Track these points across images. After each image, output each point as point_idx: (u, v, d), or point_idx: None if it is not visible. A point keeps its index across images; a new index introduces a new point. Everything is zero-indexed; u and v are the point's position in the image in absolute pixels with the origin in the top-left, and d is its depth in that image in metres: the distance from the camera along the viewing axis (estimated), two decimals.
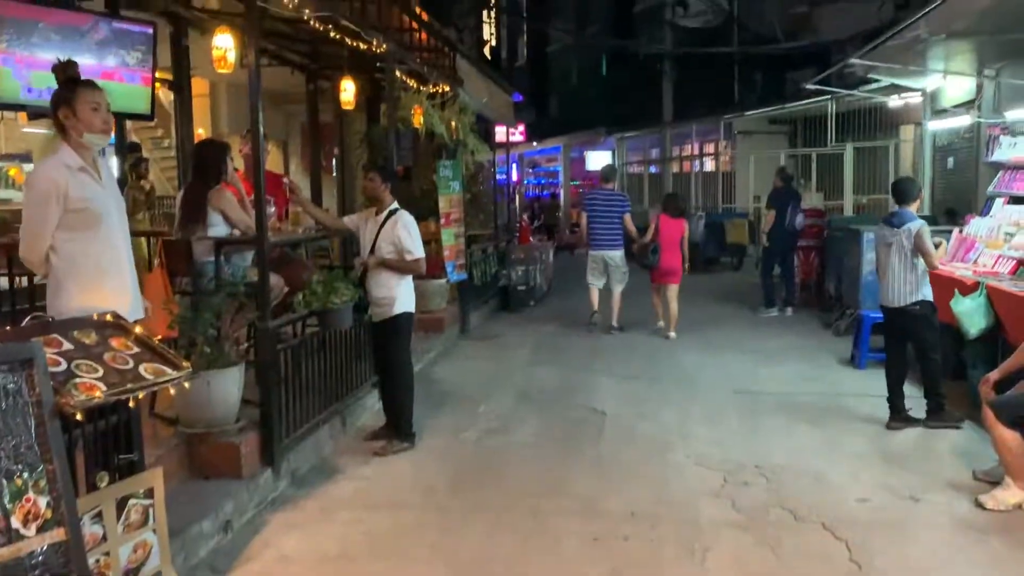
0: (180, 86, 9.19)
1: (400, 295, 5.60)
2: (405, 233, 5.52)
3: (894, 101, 16.02)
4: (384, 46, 6.87)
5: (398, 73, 7.61)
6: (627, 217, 9.97)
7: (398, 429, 5.73)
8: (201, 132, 13.32)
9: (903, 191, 6.32)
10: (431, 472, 5.32)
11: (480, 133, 14.40)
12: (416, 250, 5.54)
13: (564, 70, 29.47)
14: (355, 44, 7.19)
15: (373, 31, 6.71)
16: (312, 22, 6.23)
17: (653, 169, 23.03)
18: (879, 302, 6.50)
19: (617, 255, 9.88)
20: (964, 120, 10.15)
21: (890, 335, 6.41)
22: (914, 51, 10.17)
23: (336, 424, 5.91)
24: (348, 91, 7.97)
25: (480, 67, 10.91)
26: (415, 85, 7.70)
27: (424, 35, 8.75)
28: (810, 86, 12.13)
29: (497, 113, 11.96)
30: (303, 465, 5.30)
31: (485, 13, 31.29)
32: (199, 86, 13.07)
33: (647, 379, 7.67)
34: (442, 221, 9.21)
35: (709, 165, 20.43)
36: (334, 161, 12.19)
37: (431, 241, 9.26)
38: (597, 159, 24.13)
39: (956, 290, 6.51)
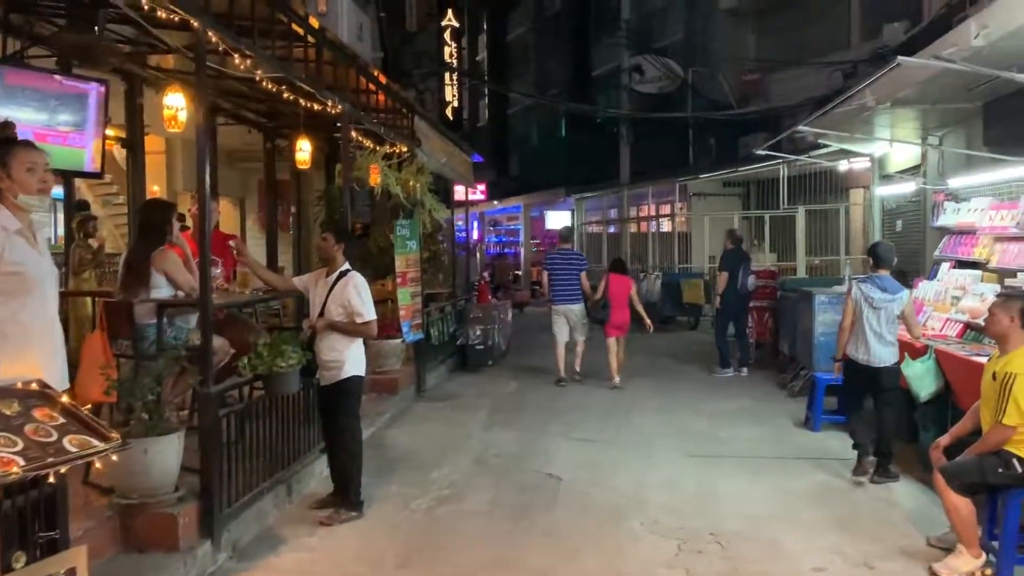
0: (133, 143, 9.11)
1: (349, 358, 5.46)
2: (355, 295, 5.40)
3: (843, 166, 16.43)
4: (339, 107, 6.85)
5: (354, 133, 7.57)
6: (583, 275, 10.59)
7: (345, 498, 5.53)
8: (156, 189, 13.14)
9: (883, 257, 6.51)
10: (379, 543, 5.12)
11: (439, 192, 14.50)
12: (367, 313, 5.42)
13: (524, 131, 29.90)
14: (310, 104, 7.18)
15: (328, 92, 6.69)
16: (265, 83, 6.18)
17: (612, 229, 23.27)
18: (851, 357, 6.49)
19: (577, 308, 10.54)
20: (910, 187, 10.39)
21: (857, 390, 6.57)
22: (861, 118, 10.45)
23: (281, 492, 5.69)
24: (304, 150, 7.92)
25: (439, 128, 10.95)
26: (371, 145, 7.67)
27: (382, 96, 8.77)
28: (760, 152, 12.34)
29: (456, 173, 11.98)
30: (245, 535, 5.07)
31: (447, 76, 31.85)
32: (154, 143, 12.92)
33: (602, 442, 7.55)
34: (398, 280, 9.11)
35: (666, 226, 20.68)
36: (291, 219, 12.08)
37: (387, 300, 9.17)
38: (556, 218, 24.33)
39: (906, 353, 6.55)
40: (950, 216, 8.55)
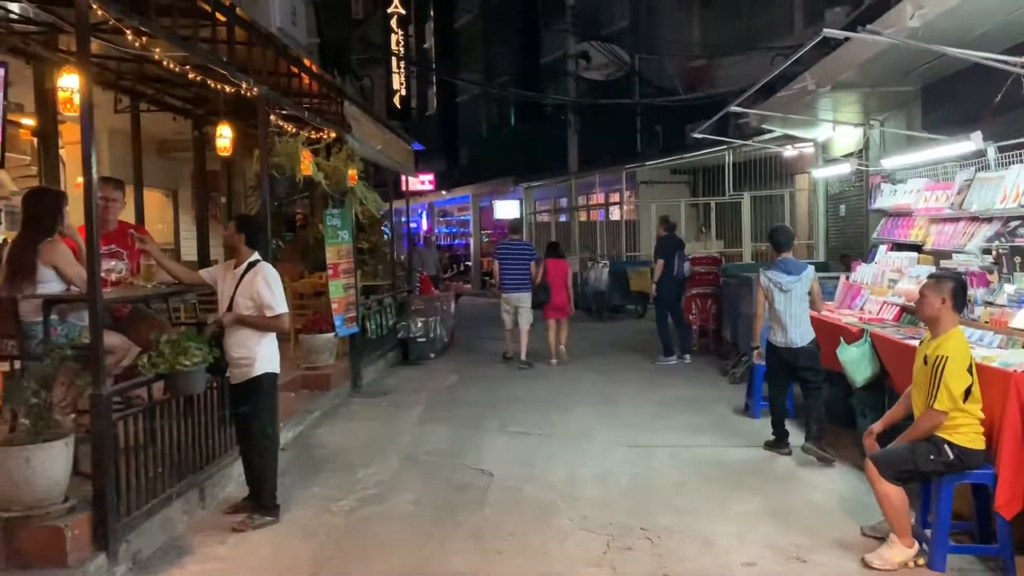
0: (44, 132, 8.62)
1: (260, 355, 5.13)
2: (265, 287, 5.07)
3: (788, 151, 16.43)
4: (255, 89, 6.48)
5: (276, 119, 7.21)
6: (533, 264, 11.02)
7: (260, 502, 5.22)
8: (81, 181, 12.58)
9: (781, 241, 6.71)
10: (293, 550, 4.82)
11: (375, 182, 14.13)
12: (277, 306, 5.09)
13: (474, 121, 29.52)
14: (229, 89, 6.81)
15: (241, 73, 6.32)
16: (170, 64, 5.81)
17: (563, 218, 23.06)
18: (771, 342, 6.68)
19: (525, 296, 10.88)
20: (846, 168, 10.33)
21: (778, 374, 6.72)
22: (804, 103, 10.42)
23: (193, 497, 5.35)
24: (225, 137, 7.53)
25: (373, 114, 10.60)
26: (292, 130, 7.30)
27: (307, 80, 8.41)
28: (697, 134, 12.22)
29: (394, 161, 11.64)
30: (148, 546, 4.73)
31: (395, 64, 31.31)
32: (75, 133, 12.39)
33: (539, 435, 7.32)
34: (330, 272, 8.77)
35: (614, 214, 20.55)
36: (221, 211, 11.64)
37: (320, 293, 8.84)
38: (505, 208, 24.04)
39: (841, 338, 6.42)
40: (887, 198, 8.47)
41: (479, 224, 26.07)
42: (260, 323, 5.10)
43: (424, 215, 31.07)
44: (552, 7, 23.71)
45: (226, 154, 7.78)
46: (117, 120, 10.75)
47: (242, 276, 5.15)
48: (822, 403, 6.46)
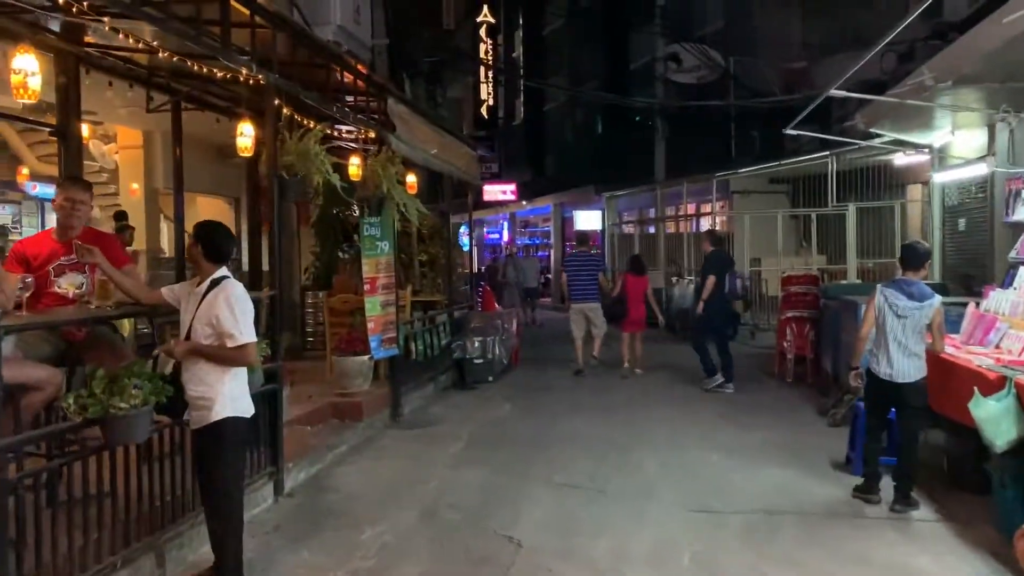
0: (64, 132, 7.93)
1: (221, 394, 4.08)
2: (226, 311, 4.03)
3: (899, 159, 14.72)
4: (259, 77, 5.52)
5: (295, 114, 6.25)
6: (601, 276, 11.30)
7: (222, 574, 4.18)
8: (136, 187, 12.07)
9: (912, 257, 5.73)
10: None
11: (452, 189, 13.14)
12: (240, 333, 4.03)
13: (560, 130, 28.41)
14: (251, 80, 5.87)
15: (242, 57, 5.37)
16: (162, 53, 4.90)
17: (651, 229, 21.58)
18: (872, 371, 5.70)
19: (594, 306, 11.09)
20: (979, 170, 8.67)
21: (877, 407, 5.84)
22: (919, 101, 8.95)
23: (146, 565, 4.35)
24: (246, 135, 6.61)
25: (427, 114, 9.57)
26: (315, 128, 6.31)
27: (343, 74, 7.46)
28: (791, 131, 10.73)
29: (454, 167, 10.59)
30: None
31: (483, 74, 30.55)
32: (129, 136, 11.86)
33: (590, 489, 6.05)
34: (366, 287, 7.77)
35: (704, 226, 19.00)
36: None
37: (358, 311, 7.87)
38: (585, 219, 22.76)
39: (976, 388, 4.94)
40: None
41: (561, 235, 24.83)
42: (219, 355, 4.06)
43: (506, 226, 30.09)
44: (641, 9, 22.36)
45: (247, 154, 6.86)
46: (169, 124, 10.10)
47: (203, 297, 4.13)
48: (916, 454, 5.59)
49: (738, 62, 19.64)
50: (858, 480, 6.11)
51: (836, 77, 15.17)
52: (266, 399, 5.71)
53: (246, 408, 4.24)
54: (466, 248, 29.55)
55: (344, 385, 7.69)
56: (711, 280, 9.95)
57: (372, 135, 7.76)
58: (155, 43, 5.55)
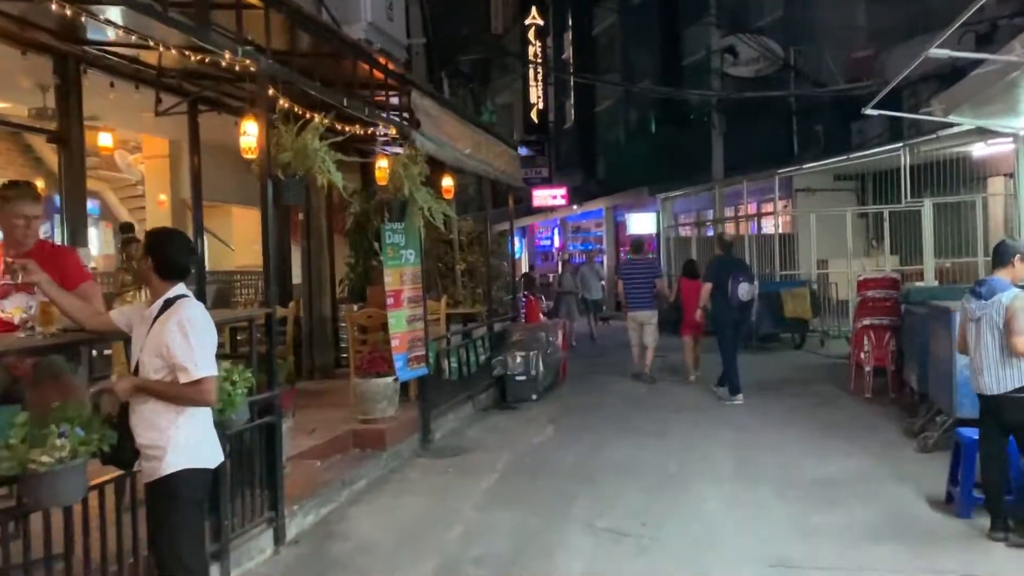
0: (67, 138, 7.32)
1: (176, 440, 3.27)
2: (179, 337, 3.22)
3: (979, 149, 13.44)
4: (246, 62, 4.75)
5: (297, 108, 5.46)
6: (659, 281, 11.00)
7: None
8: (163, 199, 11.53)
9: (997, 253, 5.22)
10: None
11: (491, 193, 12.32)
12: (196, 366, 3.21)
13: (612, 131, 27.35)
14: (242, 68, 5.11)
15: (226, 40, 4.60)
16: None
17: (710, 231, 20.34)
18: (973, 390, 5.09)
19: (650, 314, 10.80)
20: None
21: (987, 426, 5.07)
22: (1006, 83, 7.89)
23: None
24: (249, 135, 5.85)
25: (457, 110, 8.72)
26: (322, 122, 5.49)
27: (368, 69, 6.69)
28: (870, 110, 9.61)
29: (492, 168, 9.73)
30: None
31: (532, 76, 29.74)
32: (155, 146, 11.31)
33: (640, 536, 5.09)
34: (389, 301, 6.95)
35: (767, 227, 17.76)
36: (299, 228, 10.14)
37: (382, 327, 7.07)
38: (639, 222, 21.64)
39: None
40: None
41: (614, 240, 23.75)
42: (171, 393, 3.25)
43: (556, 232, 29.14)
44: (695, 1, 21.21)
45: (251, 156, 6.11)
46: (205, 130, 9.53)
47: (153, 321, 3.34)
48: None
49: (799, 52, 18.41)
50: (962, 523, 5.09)
51: (906, 65, 13.96)
52: (262, 434, 4.93)
53: (208, 457, 3.43)
54: (517, 255, 28.70)
55: (366, 410, 6.88)
56: (706, 287, 9.66)
57: (395, 132, 6.95)
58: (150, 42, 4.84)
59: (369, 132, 6.93)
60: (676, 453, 7.00)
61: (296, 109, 5.51)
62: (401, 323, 6.99)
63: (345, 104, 6.01)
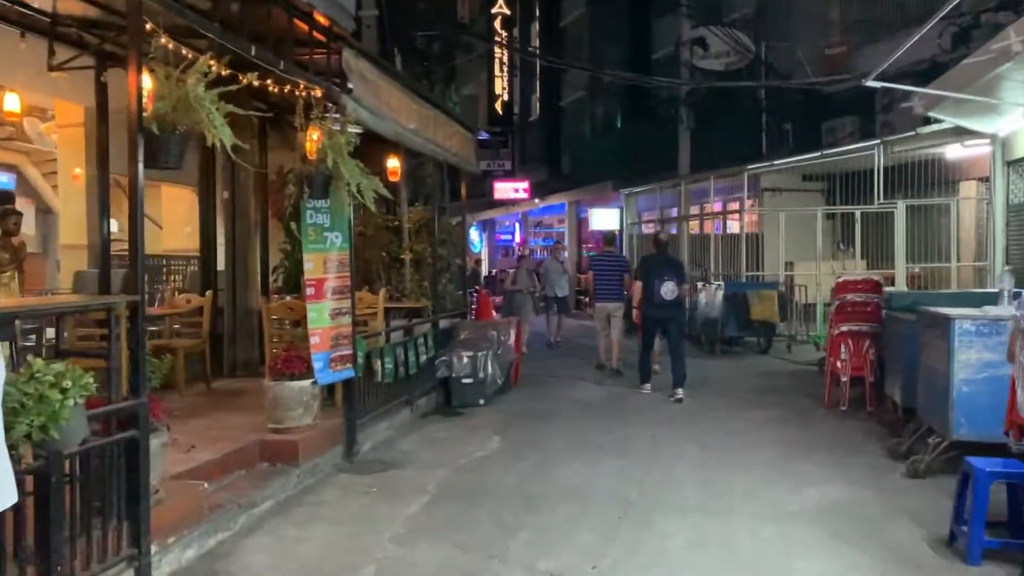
0: None
1: None
2: None
3: (953, 152, 12.83)
4: None
5: (167, 43, 4.36)
6: (626, 276, 10.82)
7: None
8: (79, 172, 10.28)
9: None
10: None
11: (453, 181, 11.30)
12: None
13: (577, 125, 26.41)
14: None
15: None
16: None
17: (673, 229, 19.47)
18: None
19: (617, 306, 10.89)
20: None
21: None
22: (989, 80, 7.31)
23: None
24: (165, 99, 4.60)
25: (397, 75, 7.64)
26: (200, 61, 4.36)
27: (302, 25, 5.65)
28: (870, 82, 8.84)
29: (441, 149, 8.70)
30: None
31: (497, 67, 28.69)
32: (69, 113, 10.04)
33: None
34: (308, 292, 5.91)
35: (733, 226, 16.96)
36: (227, 205, 8.99)
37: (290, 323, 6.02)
38: (602, 218, 20.76)
39: None
40: None
41: (576, 236, 22.84)
42: None
43: (518, 227, 28.17)
44: None
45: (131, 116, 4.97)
46: (120, 95, 8.34)
47: None
48: None
49: (770, 48, 17.64)
50: (974, 573, 4.21)
51: (880, 63, 13.33)
52: (121, 453, 3.87)
53: None
54: (476, 249, 27.61)
55: (278, 418, 5.82)
56: (636, 285, 9.62)
57: (319, 94, 5.89)
58: None
59: (299, 92, 5.85)
60: (635, 475, 6.04)
61: (189, 53, 4.43)
62: (323, 317, 5.95)
63: (253, 54, 4.92)
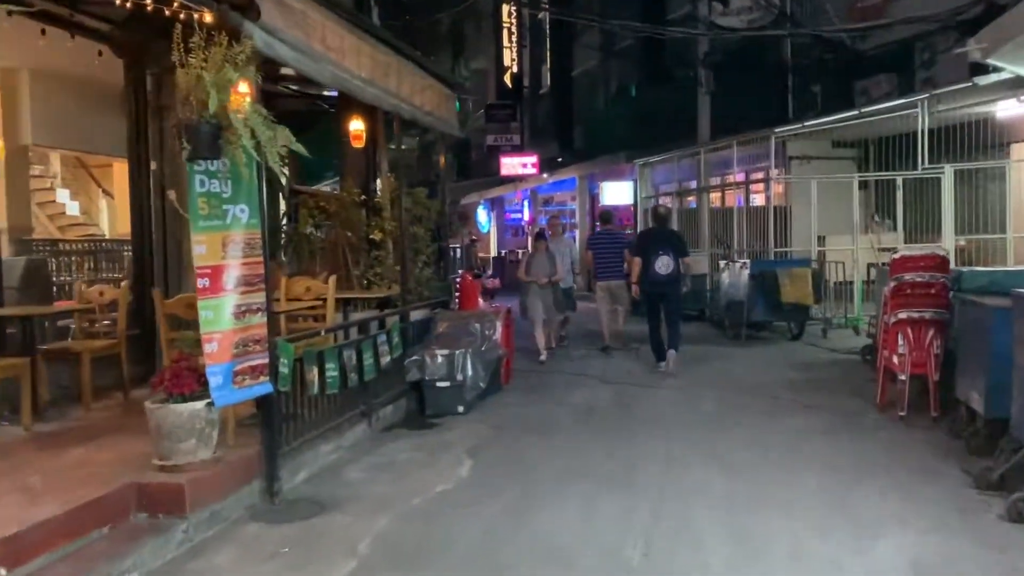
0: None
1: None
2: None
3: (1005, 109, 11.17)
4: None
5: None
6: (626, 251, 10.22)
7: None
8: None
9: None
10: None
11: (441, 151, 9.71)
12: None
13: (590, 97, 24.59)
14: None
15: None
16: None
17: (693, 204, 17.67)
18: None
19: (618, 284, 10.42)
20: None
21: None
22: None
23: None
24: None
25: (346, 9, 6.01)
26: None
27: None
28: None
29: (409, 105, 7.10)
30: None
31: (505, 37, 26.97)
32: None
33: None
34: (201, 284, 4.35)
35: (758, 198, 15.18)
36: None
37: (190, 324, 4.49)
38: (614, 192, 19.04)
39: None
40: None
41: (587, 212, 21.11)
42: None
43: (527, 204, 26.47)
44: None
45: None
46: (47, 59, 6.97)
47: None
48: None
49: (797, 1, 15.83)
50: None
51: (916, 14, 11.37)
52: None
53: None
54: (484, 229, 25.88)
55: (164, 452, 4.29)
56: (635, 261, 9.18)
57: (209, 20, 4.30)
58: None
59: (171, 11, 4.29)
60: (641, 521, 4.43)
61: None
62: (222, 317, 4.39)
63: None
